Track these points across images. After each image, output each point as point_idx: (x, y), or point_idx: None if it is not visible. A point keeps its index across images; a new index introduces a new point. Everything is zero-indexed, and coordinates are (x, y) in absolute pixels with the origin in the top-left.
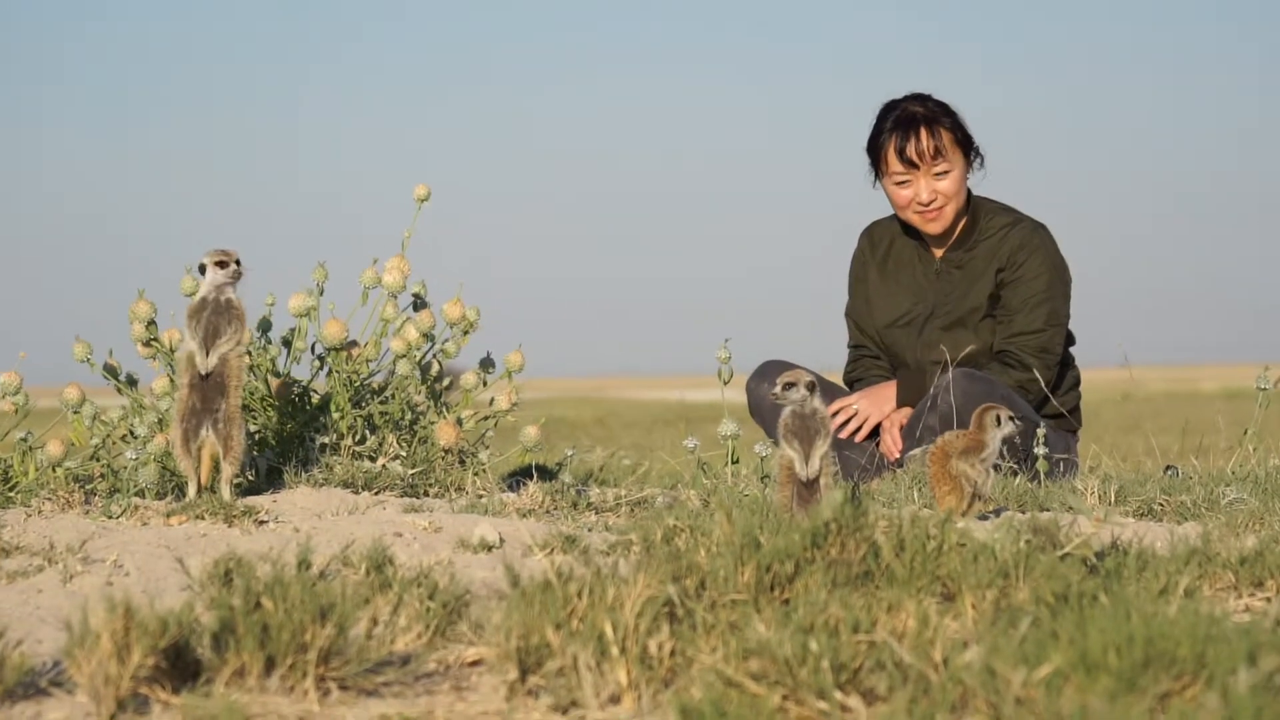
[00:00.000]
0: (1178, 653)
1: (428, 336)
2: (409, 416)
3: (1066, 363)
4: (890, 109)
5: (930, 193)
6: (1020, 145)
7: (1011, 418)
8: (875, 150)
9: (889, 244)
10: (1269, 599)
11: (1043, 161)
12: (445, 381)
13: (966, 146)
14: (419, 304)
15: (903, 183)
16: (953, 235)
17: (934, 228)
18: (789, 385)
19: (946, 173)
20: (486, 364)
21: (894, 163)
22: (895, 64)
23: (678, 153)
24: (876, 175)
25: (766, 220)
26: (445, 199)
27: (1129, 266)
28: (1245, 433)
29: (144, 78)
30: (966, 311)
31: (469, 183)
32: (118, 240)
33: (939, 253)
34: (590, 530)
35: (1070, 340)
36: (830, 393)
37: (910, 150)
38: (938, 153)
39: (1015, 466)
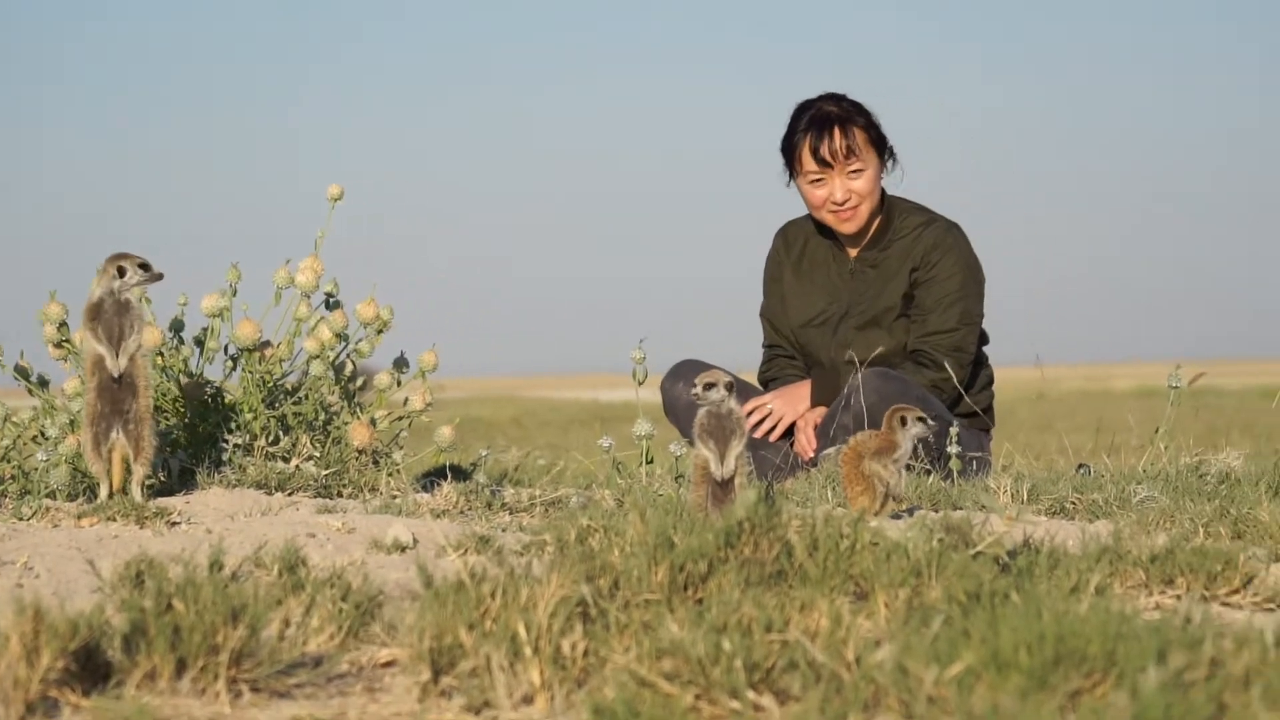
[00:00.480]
0: (1088, 651)
1: (341, 336)
2: (322, 417)
3: (980, 362)
4: (804, 109)
5: (845, 192)
6: (933, 143)
7: (922, 418)
8: (790, 150)
9: (804, 244)
10: (1179, 597)
11: (950, 160)
12: (359, 381)
13: (880, 146)
14: (332, 304)
15: (817, 182)
16: (867, 235)
17: (848, 227)
18: (708, 385)
19: (860, 172)
20: (400, 364)
21: (808, 162)
22: (893, 63)
23: (604, 154)
24: (791, 175)
25: (679, 220)
26: (356, 199)
27: (1042, 266)
28: (1156, 431)
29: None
30: (881, 311)
31: (379, 182)
32: (30, 241)
33: (853, 252)
34: (504, 531)
35: (983, 339)
36: (745, 392)
37: (824, 150)
38: (851, 152)
39: (929, 465)
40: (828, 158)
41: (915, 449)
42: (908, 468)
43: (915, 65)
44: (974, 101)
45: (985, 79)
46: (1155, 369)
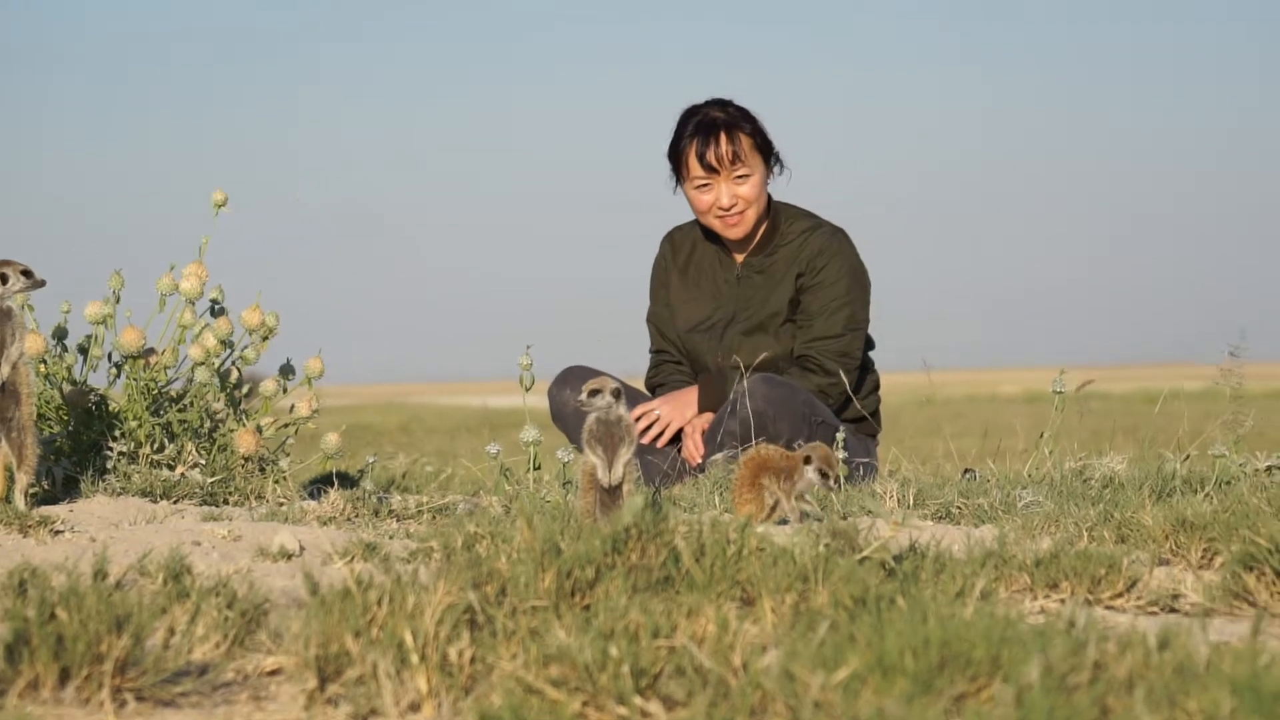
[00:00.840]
0: (973, 655)
1: (226, 343)
2: (208, 424)
3: (866, 367)
4: (691, 114)
5: (731, 198)
6: (816, 144)
7: (824, 471)
8: (676, 155)
9: (690, 249)
10: (1063, 600)
11: (830, 160)
12: (245, 389)
13: (766, 152)
14: (217, 310)
15: (703, 187)
16: (753, 240)
17: (734, 233)
18: (594, 392)
19: (746, 177)
20: (286, 370)
21: (694, 167)
22: (766, 61)
23: (490, 157)
24: (678, 180)
25: (567, 225)
26: (241, 205)
27: (929, 271)
28: (1042, 436)
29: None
30: (767, 316)
31: (264, 188)
32: None
33: (740, 258)
34: (391, 538)
35: (870, 344)
36: (632, 398)
37: (710, 155)
38: (737, 158)
39: None
40: (713, 163)
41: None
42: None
43: (784, 63)
44: (848, 98)
45: (859, 78)
46: (1042, 374)
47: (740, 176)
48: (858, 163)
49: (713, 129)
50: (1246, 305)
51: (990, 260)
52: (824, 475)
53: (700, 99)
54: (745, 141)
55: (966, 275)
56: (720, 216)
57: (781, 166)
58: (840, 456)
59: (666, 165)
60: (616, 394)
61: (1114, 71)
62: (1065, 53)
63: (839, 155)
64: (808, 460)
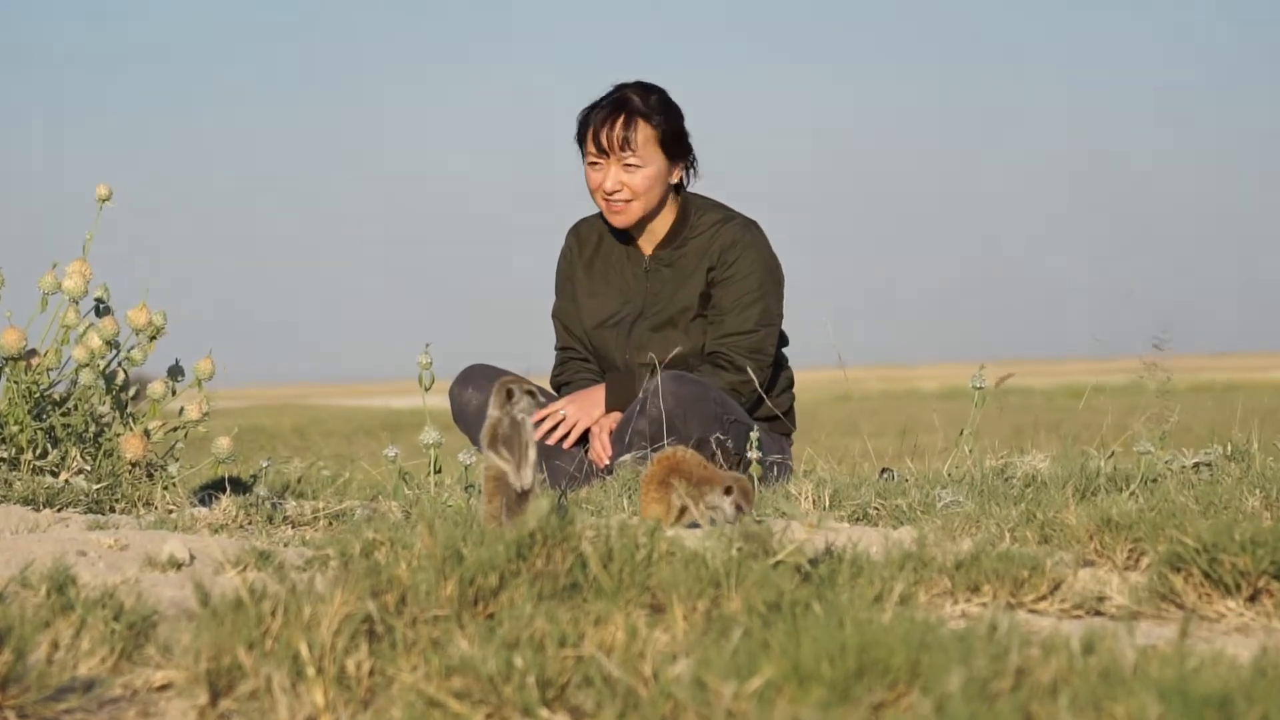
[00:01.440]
0: (892, 661)
1: (112, 344)
2: (93, 429)
3: (780, 363)
4: (614, 90)
5: (615, 183)
6: (726, 135)
7: (740, 508)
8: (582, 126)
9: (597, 241)
10: (985, 604)
11: (745, 153)
12: (132, 391)
13: (674, 151)
14: (102, 310)
15: (593, 165)
16: (653, 232)
17: (616, 220)
18: (526, 393)
19: (636, 168)
20: (175, 372)
21: (589, 142)
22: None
23: (391, 153)
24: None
25: (469, 221)
26: (128, 200)
27: (843, 264)
28: (961, 433)
29: None
30: (677, 311)
31: (154, 183)
32: None
33: (648, 251)
34: (286, 545)
35: (783, 340)
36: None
37: (603, 135)
38: (627, 144)
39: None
40: (604, 144)
41: (714, 454)
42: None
43: (699, 52)
44: (757, 79)
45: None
46: (961, 369)
47: (630, 165)
48: (767, 150)
49: (618, 110)
50: (1171, 298)
51: (907, 252)
52: (739, 509)
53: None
54: (645, 132)
55: (883, 268)
56: (605, 200)
57: (694, 173)
58: (754, 457)
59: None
60: (530, 394)
61: (1042, 56)
62: (1009, 35)
63: (746, 141)
64: (728, 490)
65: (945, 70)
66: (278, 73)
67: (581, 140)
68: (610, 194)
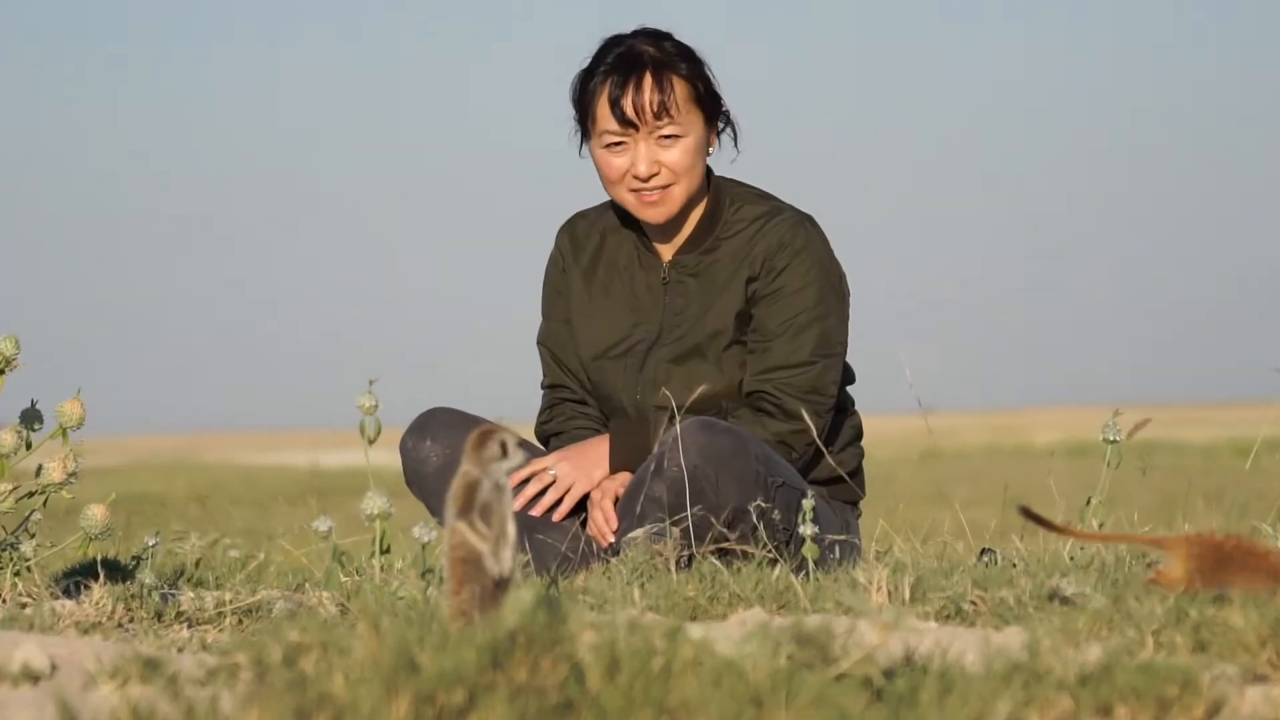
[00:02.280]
0: None
1: None
2: None
3: (843, 408)
4: (611, 46)
5: (651, 164)
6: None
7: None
8: (584, 100)
9: (599, 243)
10: None
11: (797, 141)
12: None
13: (710, 109)
14: None
15: (615, 147)
16: (686, 230)
17: (654, 214)
18: (490, 444)
19: (675, 139)
20: (31, 417)
21: (606, 118)
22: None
23: (323, 144)
24: (584, 137)
25: (426, 225)
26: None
27: (926, 277)
28: (1088, 502)
29: None
30: (706, 337)
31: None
32: None
33: (668, 254)
34: (181, 651)
35: (848, 377)
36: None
37: (628, 103)
38: (664, 110)
39: (773, 553)
40: (631, 114)
41: (756, 528)
42: (744, 554)
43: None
44: (848, 83)
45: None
46: (1086, 416)
47: (667, 137)
48: (823, 130)
49: (636, 67)
50: None
51: (1014, 265)
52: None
53: (625, 28)
54: (680, 90)
55: (983, 283)
56: (635, 190)
57: (734, 136)
58: (808, 533)
59: (570, 117)
60: (521, 445)
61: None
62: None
63: (798, 122)
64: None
65: (1058, 60)
66: (159, 38)
67: (585, 119)
68: (644, 180)
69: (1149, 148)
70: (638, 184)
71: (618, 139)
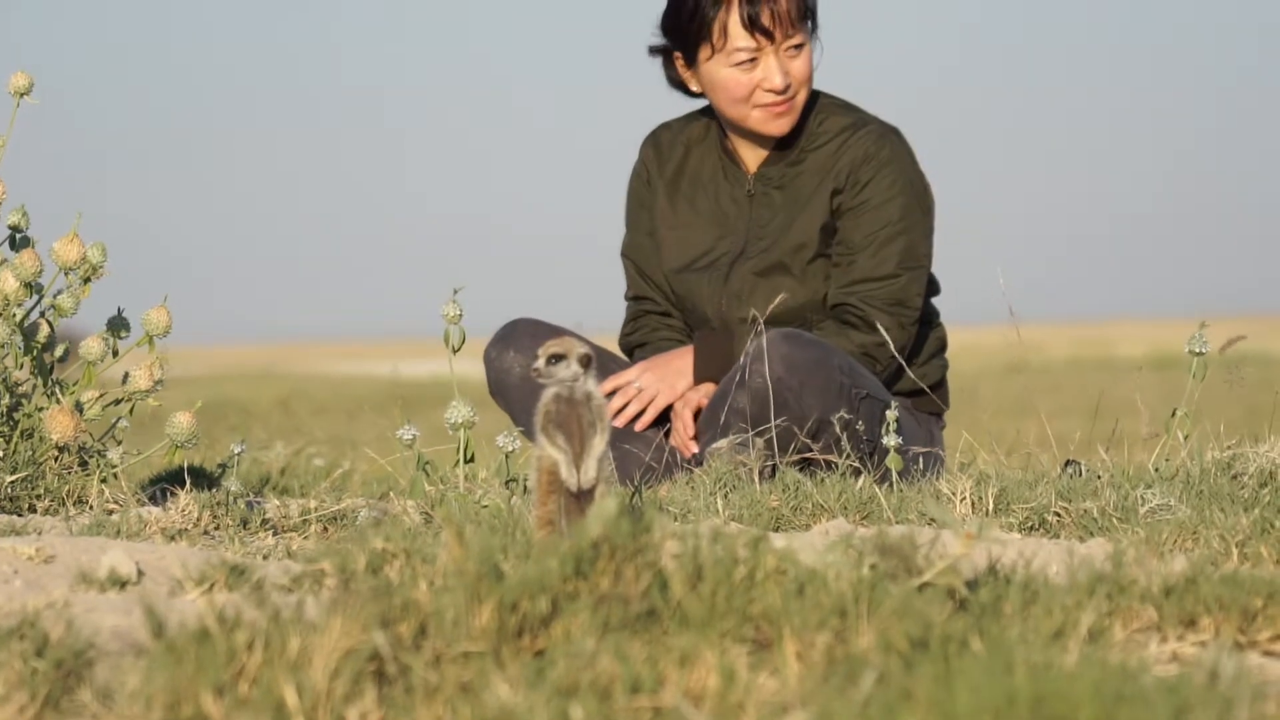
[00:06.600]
0: (1078, 717)
1: (32, 287)
2: (6, 400)
3: (928, 320)
4: None
5: (784, 76)
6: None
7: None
8: (699, 19)
9: (683, 155)
10: (1204, 644)
11: (904, 59)
12: (59, 350)
13: (812, 17)
14: (20, 241)
15: (747, 63)
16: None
17: (780, 126)
18: (554, 358)
19: (801, 48)
20: (117, 325)
21: (738, 35)
22: None
23: (406, 73)
24: (690, 60)
25: (505, 138)
26: (52, 96)
27: (1015, 190)
28: (1174, 414)
29: None
30: (790, 249)
31: (83, 79)
32: None
33: (753, 167)
34: (266, 558)
35: (933, 289)
36: (604, 366)
37: (765, 14)
38: (803, 16)
39: (857, 464)
40: (769, 25)
41: (839, 439)
42: (828, 465)
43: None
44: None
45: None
46: (1175, 329)
47: (795, 47)
48: (912, 41)
49: None
50: None
51: (1103, 175)
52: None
53: None
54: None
55: (1071, 194)
56: (767, 105)
57: (819, 41)
58: (892, 444)
59: (658, 45)
60: (585, 361)
61: None
62: None
63: (890, 34)
64: None
65: None
66: None
67: (701, 39)
68: (781, 91)
69: (1238, 64)
70: (771, 97)
71: (751, 54)
